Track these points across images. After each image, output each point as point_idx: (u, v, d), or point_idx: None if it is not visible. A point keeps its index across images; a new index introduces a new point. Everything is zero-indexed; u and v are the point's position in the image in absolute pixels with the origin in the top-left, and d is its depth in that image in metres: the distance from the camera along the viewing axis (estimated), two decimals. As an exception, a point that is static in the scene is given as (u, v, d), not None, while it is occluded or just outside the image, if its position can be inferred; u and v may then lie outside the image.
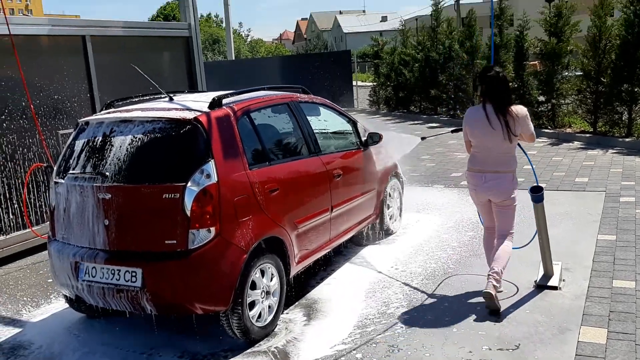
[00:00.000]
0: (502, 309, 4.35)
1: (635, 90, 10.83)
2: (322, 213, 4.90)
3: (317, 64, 22.59)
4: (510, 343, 3.89)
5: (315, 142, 5.01)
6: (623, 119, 11.18)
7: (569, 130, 12.37)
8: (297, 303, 4.78)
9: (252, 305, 4.10)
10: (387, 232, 6.30)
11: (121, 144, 4.02)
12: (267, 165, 4.35)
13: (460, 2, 42.77)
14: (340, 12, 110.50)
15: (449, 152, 11.53)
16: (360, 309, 4.59)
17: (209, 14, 54.92)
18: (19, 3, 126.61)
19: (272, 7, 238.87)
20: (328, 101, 5.70)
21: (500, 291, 4.46)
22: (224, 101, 4.26)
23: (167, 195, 3.80)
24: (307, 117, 5.09)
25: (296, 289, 4.99)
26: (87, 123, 4.33)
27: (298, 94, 5.24)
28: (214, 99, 4.18)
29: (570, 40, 12.44)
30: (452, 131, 5.29)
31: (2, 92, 6.19)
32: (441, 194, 8.12)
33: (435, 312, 4.43)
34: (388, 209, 6.31)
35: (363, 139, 5.78)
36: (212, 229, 3.81)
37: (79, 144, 4.25)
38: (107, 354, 4.13)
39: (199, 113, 4.03)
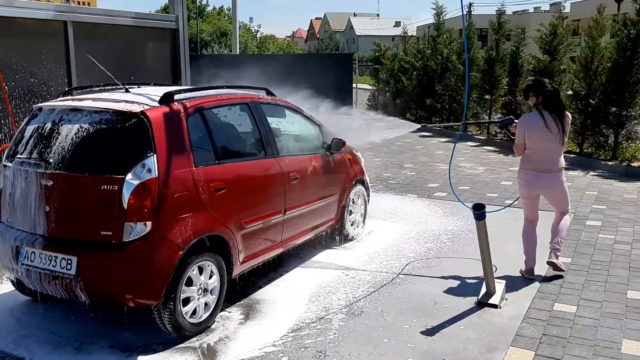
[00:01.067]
0: (437, 324, 4.38)
1: (623, 113, 10.81)
2: (273, 215, 4.93)
3: (318, 64, 22.58)
4: (436, 358, 3.91)
5: (273, 143, 5.04)
6: (609, 141, 11.17)
7: (556, 149, 12.35)
8: (240, 302, 4.81)
9: (186, 301, 4.13)
10: (348, 238, 6.33)
11: (68, 133, 4.06)
12: (216, 164, 4.38)
13: (473, 12, 42.76)
14: (355, 14, 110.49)
15: (433, 162, 11.54)
16: (299, 312, 4.62)
17: (222, 7, 55.04)
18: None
19: (287, 3, 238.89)
20: (293, 104, 5.73)
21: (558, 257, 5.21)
22: (177, 97, 4.30)
23: (106, 186, 3.83)
24: (268, 119, 5.12)
25: (243, 288, 5.03)
26: (40, 109, 4.38)
27: (260, 95, 5.27)
28: (165, 93, 4.22)
29: (563, 59, 12.42)
30: (464, 124, 5.60)
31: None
32: (412, 203, 8.14)
33: (372, 321, 4.45)
34: (350, 214, 6.33)
35: (327, 144, 5.81)
36: (149, 223, 3.84)
37: (29, 129, 4.30)
38: (42, 338, 4.17)
39: (147, 107, 4.06)
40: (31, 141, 4.21)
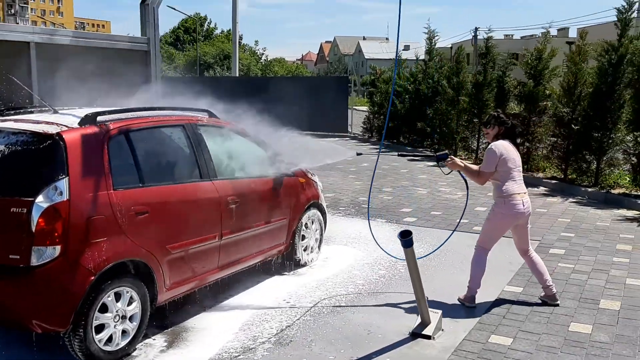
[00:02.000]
0: (364, 355, 4.25)
1: (604, 139, 10.66)
2: (207, 240, 4.83)
3: (315, 87, 22.67)
4: (351, 392, 3.77)
5: (209, 166, 4.96)
6: (591, 167, 10.99)
7: (540, 175, 12.20)
8: (168, 329, 4.69)
9: (101, 328, 4.03)
10: (300, 264, 6.20)
11: (-17, 153, 4.01)
12: (139, 187, 4.30)
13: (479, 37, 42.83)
14: (364, 38, 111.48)
15: (413, 187, 11.41)
16: (225, 341, 4.49)
17: (229, 30, 55.53)
18: (52, 5, 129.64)
19: (299, 27, 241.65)
20: (240, 126, 5.67)
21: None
22: (100, 118, 4.25)
23: (16, 208, 3.77)
24: (208, 141, 5.06)
25: (175, 314, 4.91)
26: (-37, 129, 4.33)
27: (198, 117, 5.21)
28: (86, 115, 4.17)
29: (547, 84, 12.32)
30: (399, 155, 5.50)
31: None
32: (379, 228, 7.98)
33: (298, 352, 4.31)
34: (302, 239, 6.22)
35: (274, 167, 5.72)
36: (58, 247, 3.76)
37: (-49, 149, 4.25)
38: (-46, 364, 4.07)
39: (64, 128, 4.01)
40: (-50, 161, 4.16)
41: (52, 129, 3.98)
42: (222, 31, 57.26)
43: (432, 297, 5.26)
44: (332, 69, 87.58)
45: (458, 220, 5.90)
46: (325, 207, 6.70)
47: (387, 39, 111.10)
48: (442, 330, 4.67)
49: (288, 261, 6.12)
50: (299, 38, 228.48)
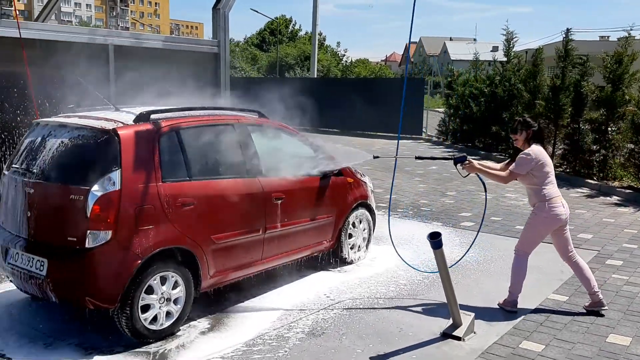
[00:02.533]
0: (391, 351, 4.37)
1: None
2: (250, 233, 5.11)
3: (389, 88, 22.66)
4: (370, 384, 3.91)
5: (256, 163, 5.24)
6: (671, 178, 10.41)
7: (615, 183, 11.67)
8: (212, 315, 5.01)
9: (146, 308, 4.39)
10: (346, 262, 6.37)
11: (51, 146, 4.49)
12: (187, 181, 4.64)
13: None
14: (451, 39, 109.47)
15: (479, 191, 11.24)
16: (262, 328, 4.75)
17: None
18: (149, 7, 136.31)
19: (385, 28, 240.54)
20: (289, 127, 5.92)
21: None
22: (153, 116, 4.62)
23: (74, 196, 4.20)
24: (255, 140, 5.34)
25: (220, 301, 5.23)
26: (37, 124, 4.86)
27: (248, 117, 5.50)
28: (141, 113, 4.55)
29: (627, 89, 11.76)
30: (416, 158, 5.53)
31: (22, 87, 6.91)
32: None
33: (328, 343, 4.50)
34: (349, 238, 6.39)
35: (321, 167, 5.92)
36: (109, 232, 4.15)
37: (25, 142, 4.78)
38: (21, 332, 4.58)
39: (120, 125, 4.41)
40: (24, 153, 4.69)
41: (109, 125, 4.39)
42: (306, 33, 58.10)
43: (475, 302, 5.32)
44: (415, 70, 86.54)
45: (481, 222, 5.91)
46: (374, 207, 6.83)
47: (474, 39, 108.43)
48: (474, 332, 4.70)
49: (334, 258, 6.31)
50: (384, 39, 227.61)
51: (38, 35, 7.13)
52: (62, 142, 4.46)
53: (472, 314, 4.77)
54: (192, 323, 4.81)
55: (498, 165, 5.40)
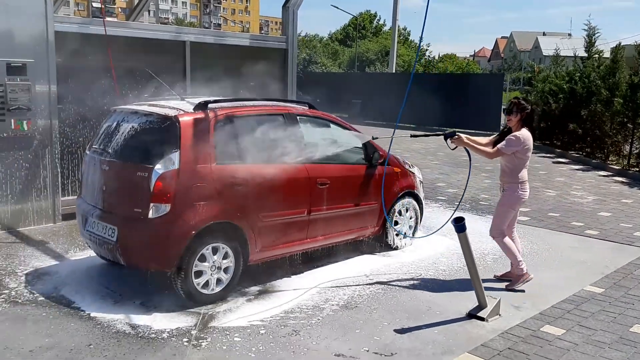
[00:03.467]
0: (415, 325, 4.72)
1: None
2: (296, 214, 5.60)
3: (467, 84, 22.49)
4: (389, 350, 4.29)
5: (302, 151, 5.71)
6: None
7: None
8: (260, 285, 5.55)
9: (199, 274, 4.99)
10: (391, 247, 6.73)
11: (124, 129, 5.19)
12: (238, 164, 5.19)
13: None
14: (544, 34, 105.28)
15: (545, 188, 11.21)
16: (302, 299, 5.24)
17: (398, 26, 56.29)
18: (240, 4, 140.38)
19: (475, 23, 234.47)
20: (337, 118, 6.36)
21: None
22: (211, 105, 5.20)
23: (141, 173, 4.86)
24: (304, 129, 5.82)
25: (268, 274, 5.77)
26: (114, 110, 5.58)
27: (297, 107, 5.98)
28: (199, 102, 5.15)
29: None
30: (412, 136, 5.96)
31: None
32: (485, 223, 8.16)
33: (359, 315, 4.92)
34: (395, 225, 6.74)
35: (368, 156, 6.31)
36: (168, 205, 4.78)
37: (105, 126, 5.52)
38: (96, 291, 5.31)
39: (181, 112, 5.02)
40: (102, 135, 5.42)
41: (172, 113, 5.02)
42: (391, 28, 58.10)
43: (514, 292, 5.52)
44: (505, 66, 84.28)
45: (460, 199, 6.29)
46: (422, 197, 7.13)
47: (569, 34, 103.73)
48: (500, 315, 4.95)
49: (379, 243, 6.69)
50: (474, 33, 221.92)
51: (122, 33, 7.95)
52: (132, 126, 5.15)
53: (498, 298, 5.03)
54: (240, 291, 5.37)
55: (485, 140, 5.80)
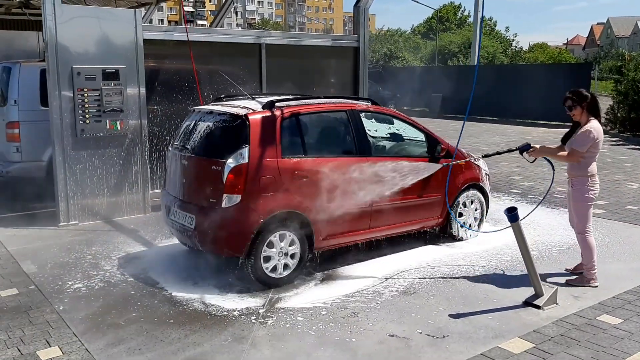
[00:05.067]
0: (470, 311, 4.91)
1: None
2: (358, 205, 5.90)
3: (551, 74, 21.78)
4: (442, 332, 4.52)
5: (365, 145, 6.01)
6: None
7: None
8: (326, 271, 5.92)
9: (268, 259, 5.43)
10: (455, 238, 6.89)
11: (201, 127, 5.71)
12: (302, 157, 5.57)
13: None
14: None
15: (628, 181, 10.84)
16: (364, 285, 5.55)
17: (483, 17, 54.98)
18: (324, 2, 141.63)
19: (568, 10, 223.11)
20: (401, 113, 6.59)
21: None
22: (278, 104, 5.61)
23: (215, 167, 5.35)
24: (367, 125, 6.11)
25: (334, 261, 6.12)
26: (193, 110, 6.13)
27: (360, 104, 6.27)
28: (268, 101, 5.58)
29: None
30: (483, 156, 5.91)
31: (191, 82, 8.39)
32: (557, 217, 8.16)
33: (416, 301, 5.17)
34: (460, 217, 6.89)
35: (431, 149, 6.50)
36: (239, 196, 5.24)
37: (184, 125, 6.08)
38: (177, 274, 5.85)
39: (251, 111, 5.47)
40: (182, 133, 5.98)
41: (242, 112, 5.48)
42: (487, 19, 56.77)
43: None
44: (601, 54, 79.89)
45: (542, 198, 6.14)
46: (488, 190, 7.22)
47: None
48: (557, 304, 5.03)
49: (443, 234, 6.87)
50: (568, 21, 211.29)
51: (204, 38, 8.57)
52: (208, 124, 5.66)
53: (555, 287, 5.10)
54: (306, 277, 5.75)
55: (554, 146, 5.61)
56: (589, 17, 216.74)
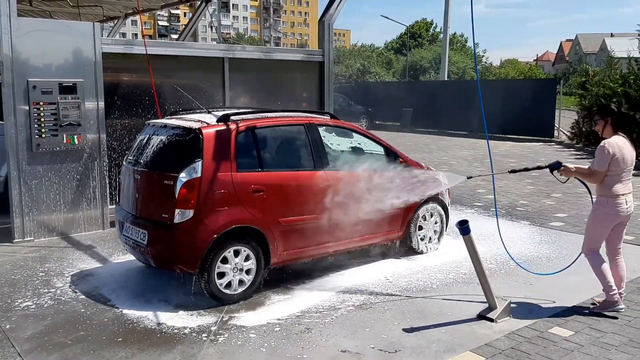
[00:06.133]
0: (424, 325, 4.89)
1: None
2: (316, 219, 5.86)
3: (517, 90, 22.15)
4: (393, 347, 4.49)
5: (323, 158, 5.98)
6: None
7: None
8: (282, 286, 5.84)
9: (222, 275, 5.34)
10: (416, 252, 6.89)
11: (155, 141, 5.64)
12: (258, 171, 5.53)
13: None
14: (612, 35, 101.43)
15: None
16: (320, 300, 5.49)
17: (454, 33, 55.99)
18: (299, 17, 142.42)
19: (539, 26, 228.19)
20: (360, 127, 6.62)
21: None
22: (233, 118, 5.57)
23: (167, 181, 5.27)
24: (325, 138, 6.10)
25: (290, 276, 6.06)
26: (148, 124, 6.05)
27: (319, 118, 6.26)
28: (223, 114, 5.53)
29: None
30: (510, 172, 5.68)
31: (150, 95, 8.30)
32: (517, 229, 8.22)
33: (371, 315, 5.13)
34: (419, 230, 6.89)
35: (389, 162, 6.51)
36: (192, 211, 5.17)
37: (138, 139, 5.99)
38: (131, 290, 5.74)
39: (205, 125, 5.42)
40: (137, 147, 5.89)
41: (196, 125, 5.42)
42: (455, 34, 57.70)
43: (535, 296, 5.55)
44: (570, 70, 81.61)
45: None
46: (448, 203, 7.25)
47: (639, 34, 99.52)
48: (510, 317, 5.04)
49: (403, 248, 6.86)
50: (538, 37, 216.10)
51: (163, 52, 8.51)
52: (161, 138, 5.59)
53: (508, 299, 5.12)
54: (262, 292, 5.67)
55: (586, 166, 5.26)
56: (559, 33, 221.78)
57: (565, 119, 22.42)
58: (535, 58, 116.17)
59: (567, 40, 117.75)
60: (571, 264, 5.64)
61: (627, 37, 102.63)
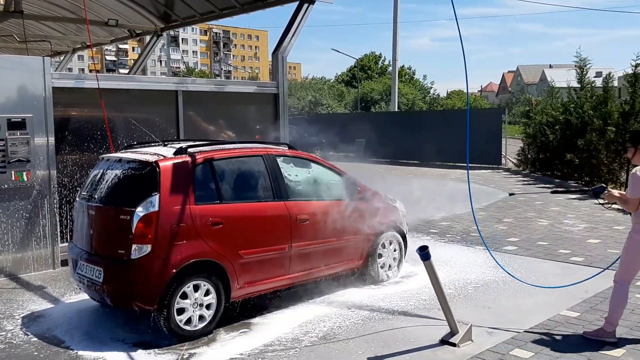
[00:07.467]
0: (388, 352, 4.89)
1: None
2: (277, 250, 5.84)
3: (465, 119, 22.79)
4: (359, 378, 4.46)
5: (282, 189, 5.99)
6: None
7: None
8: (243, 320, 5.75)
9: (181, 311, 5.22)
10: (376, 280, 6.91)
11: (109, 176, 5.52)
12: (217, 204, 5.48)
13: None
14: (550, 66, 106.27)
15: (538, 218, 11.34)
16: (282, 332, 5.43)
17: (402, 66, 57.42)
18: (250, 51, 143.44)
19: (481, 59, 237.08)
20: (318, 157, 6.67)
21: None
22: (191, 150, 5.52)
23: (123, 216, 5.15)
24: (283, 169, 6.11)
25: (251, 310, 5.97)
26: (102, 158, 5.93)
27: (277, 149, 6.29)
28: (180, 147, 5.48)
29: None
30: (552, 192, 5.66)
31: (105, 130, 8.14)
32: (472, 255, 8.37)
33: (335, 345, 5.10)
34: (380, 258, 6.93)
35: (347, 192, 6.57)
36: (149, 246, 5.05)
37: (92, 173, 5.86)
38: (85, 331, 5.53)
39: (161, 158, 5.35)
40: (90, 182, 5.75)
41: (152, 158, 5.34)
42: (402, 67, 59.14)
43: (494, 319, 5.63)
44: (513, 100, 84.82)
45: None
46: (406, 230, 7.34)
47: (576, 65, 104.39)
48: (472, 341, 5.10)
49: (364, 276, 6.88)
50: (481, 69, 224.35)
51: (117, 85, 8.40)
52: (116, 173, 5.48)
53: (469, 324, 5.18)
54: (223, 327, 5.57)
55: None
56: (501, 65, 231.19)
57: (510, 146, 23.19)
58: (480, 89, 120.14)
59: (509, 72, 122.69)
60: (584, 280, 6.07)
61: (564, 68, 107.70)
